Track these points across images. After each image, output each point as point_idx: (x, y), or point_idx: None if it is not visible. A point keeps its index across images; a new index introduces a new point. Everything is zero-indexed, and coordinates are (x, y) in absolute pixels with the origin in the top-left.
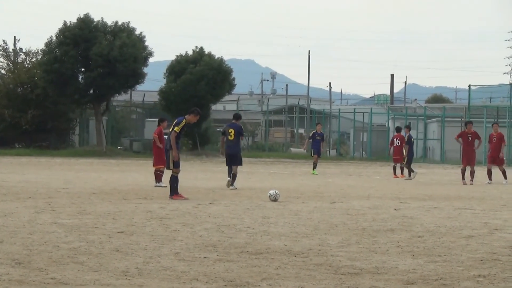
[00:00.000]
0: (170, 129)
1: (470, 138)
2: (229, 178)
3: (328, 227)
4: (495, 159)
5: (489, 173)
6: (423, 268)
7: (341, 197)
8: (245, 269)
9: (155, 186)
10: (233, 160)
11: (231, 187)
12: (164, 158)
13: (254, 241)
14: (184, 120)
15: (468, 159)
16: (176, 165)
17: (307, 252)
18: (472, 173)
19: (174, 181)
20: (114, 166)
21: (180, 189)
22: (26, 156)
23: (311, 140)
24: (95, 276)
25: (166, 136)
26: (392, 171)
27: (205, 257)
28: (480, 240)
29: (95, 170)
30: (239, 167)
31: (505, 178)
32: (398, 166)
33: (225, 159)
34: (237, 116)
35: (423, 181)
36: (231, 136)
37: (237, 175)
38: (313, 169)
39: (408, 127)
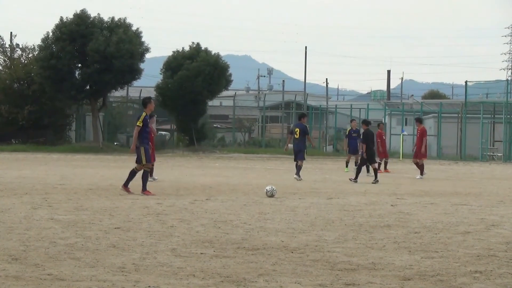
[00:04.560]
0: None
1: None
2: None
3: (325, 223)
4: (417, 154)
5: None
6: (420, 264)
7: (338, 193)
8: (241, 265)
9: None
10: (299, 155)
11: (295, 177)
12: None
13: (251, 237)
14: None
15: None
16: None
17: (304, 248)
18: None
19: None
20: (110, 162)
21: (177, 185)
22: (23, 152)
23: (347, 139)
24: (91, 272)
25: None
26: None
27: (201, 253)
28: (476, 236)
29: (91, 166)
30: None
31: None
32: (383, 161)
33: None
34: (301, 115)
35: (420, 177)
36: (297, 135)
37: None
38: (345, 167)
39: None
